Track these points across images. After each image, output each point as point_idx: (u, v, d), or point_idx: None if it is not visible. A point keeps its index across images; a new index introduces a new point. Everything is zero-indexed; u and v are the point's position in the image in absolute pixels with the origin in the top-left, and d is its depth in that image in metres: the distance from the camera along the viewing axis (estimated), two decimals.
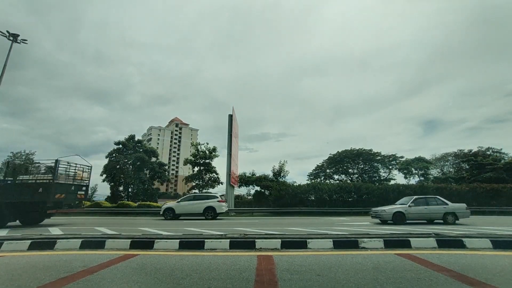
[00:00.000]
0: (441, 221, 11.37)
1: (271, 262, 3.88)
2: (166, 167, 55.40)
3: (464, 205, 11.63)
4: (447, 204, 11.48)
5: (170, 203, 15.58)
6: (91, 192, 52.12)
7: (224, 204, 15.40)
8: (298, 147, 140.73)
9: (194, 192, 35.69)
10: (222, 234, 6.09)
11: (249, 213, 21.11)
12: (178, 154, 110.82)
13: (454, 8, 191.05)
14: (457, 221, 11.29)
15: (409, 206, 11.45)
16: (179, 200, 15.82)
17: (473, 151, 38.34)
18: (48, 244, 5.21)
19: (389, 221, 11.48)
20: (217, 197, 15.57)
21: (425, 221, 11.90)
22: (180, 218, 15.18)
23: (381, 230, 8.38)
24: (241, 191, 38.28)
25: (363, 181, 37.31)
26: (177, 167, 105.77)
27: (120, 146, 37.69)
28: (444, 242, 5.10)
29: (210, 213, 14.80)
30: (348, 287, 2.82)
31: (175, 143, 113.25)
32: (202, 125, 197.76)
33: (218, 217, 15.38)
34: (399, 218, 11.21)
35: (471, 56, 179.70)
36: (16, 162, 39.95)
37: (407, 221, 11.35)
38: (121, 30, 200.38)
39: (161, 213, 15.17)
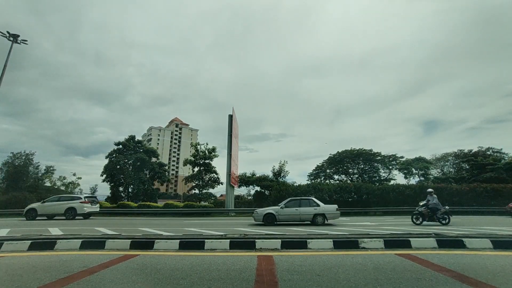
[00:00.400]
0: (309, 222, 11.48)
1: (271, 263, 3.88)
2: (166, 168, 55.34)
3: (334, 206, 11.82)
4: (318, 205, 11.61)
5: (34, 204, 15.75)
6: (91, 193, 52.29)
7: (87, 205, 15.61)
8: (298, 147, 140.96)
9: (194, 192, 35.72)
10: (222, 235, 6.09)
11: (249, 213, 21.11)
12: (178, 154, 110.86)
13: (454, 8, 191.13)
14: (326, 222, 11.52)
15: (281, 207, 11.64)
16: (43, 201, 15.89)
17: (473, 151, 38.33)
18: (48, 244, 5.20)
19: (259, 223, 11.61)
20: (81, 198, 16.00)
21: (296, 222, 11.74)
22: (40, 218, 15.29)
23: (381, 230, 8.37)
24: (241, 191, 38.30)
25: (363, 181, 37.28)
26: (177, 167, 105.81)
27: (120, 146, 37.66)
28: (444, 242, 5.09)
29: (71, 213, 15.19)
30: (348, 287, 2.82)
31: (175, 143, 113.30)
32: (202, 125, 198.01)
33: (79, 218, 15.58)
34: (269, 220, 11.39)
35: (471, 56, 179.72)
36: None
37: (278, 222, 11.45)
38: (121, 30, 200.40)
39: (23, 214, 15.29)
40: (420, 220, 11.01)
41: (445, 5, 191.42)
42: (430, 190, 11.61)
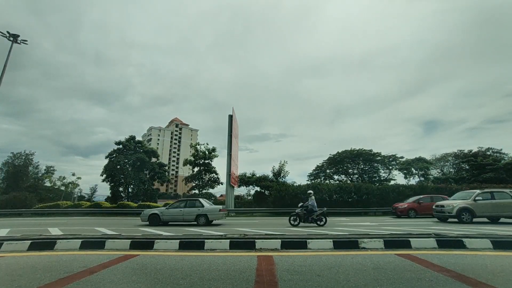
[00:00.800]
0: (195, 223, 11.73)
1: (271, 263, 3.87)
2: (166, 168, 55.33)
3: (218, 207, 12.21)
4: (203, 206, 11.90)
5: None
6: (91, 193, 52.29)
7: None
8: (298, 147, 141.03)
9: (194, 192, 35.68)
10: (222, 235, 6.09)
11: (249, 214, 21.11)
12: (178, 154, 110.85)
13: (454, 8, 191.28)
14: (212, 222, 11.97)
15: (166, 208, 12.27)
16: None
17: (473, 151, 38.33)
18: (48, 244, 5.21)
19: (145, 223, 11.95)
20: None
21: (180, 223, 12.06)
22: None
23: (381, 231, 8.37)
24: (241, 191, 38.35)
25: (363, 181, 37.27)
26: (177, 168, 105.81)
27: (121, 146, 37.65)
28: (444, 243, 5.09)
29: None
30: (348, 287, 2.82)
31: (175, 143, 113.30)
32: (202, 125, 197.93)
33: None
34: (154, 220, 11.68)
35: (471, 56, 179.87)
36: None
37: (161, 223, 11.78)
38: (121, 30, 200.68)
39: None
40: (298, 221, 11.03)
41: (445, 5, 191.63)
42: (310, 191, 11.83)
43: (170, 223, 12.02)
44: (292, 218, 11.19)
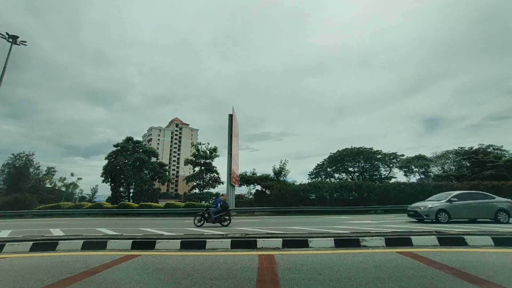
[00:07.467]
0: None
1: (272, 262, 3.88)
2: (167, 167, 55.38)
3: None
4: None
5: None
6: (92, 193, 52.37)
7: None
8: (299, 146, 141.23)
9: (195, 192, 35.70)
10: (223, 234, 6.09)
11: (250, 213, 21.13)
12: (179, 154, 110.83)
13: (455, 5, 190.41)
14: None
15: None
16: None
17: (474, 148, 38.30)
18: (50, 245, 5.21)
19: None
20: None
21: None
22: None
23: (382, 229, 8.37)
24: (242, 190, 38.31)
25: (363, 179, 37.31)
26: (177, 167, 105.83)
27: (119, 147, 37.69)
28: (445, 240, 5.09)
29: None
30: (349, 286, 2.82)
31: (175, 143, 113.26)
32: (202, 125, 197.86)
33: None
34: None
35: (472, 53, 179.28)
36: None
37: None
38: (121, 30, 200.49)
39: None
40: (202, 221, 11.11)
41: (446, 2, 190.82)
42: (218, 192, 12.35)
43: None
44: (197, 218, 11.20)
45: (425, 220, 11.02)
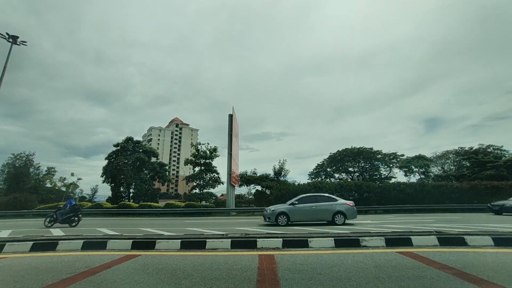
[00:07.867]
0: None
1: (272, 262, 3.88)
2: (167, 167, 55.38)
3: None
4: None
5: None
6: (92, 193, 52.36)
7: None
8: (299, 146, 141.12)
9: (195, 192, 35.73)
10: (223, 234, 6.10)
11: (250, 213, 21.14)
12: (179, 154, 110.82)
13: (455, 5, 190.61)
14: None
15: None
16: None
17: (474, 148, 38.28)
18: (50, 245, 5.22)
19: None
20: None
21: None
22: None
23: (382, 229, 8.37)
24: (242, 190, 38.35)
25: (363, 179, 37.29)
26: (177, 167, 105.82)
27: (119, 147, 37.68)
28: (446, 240, 5.09)
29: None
30: (349, 286, 2.82)
31: (175, 143, 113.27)
32: (202, 125, 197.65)
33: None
34: None
35: (472, 53, 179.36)
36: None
37: None
38: (121, 30, 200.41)
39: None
40: (53, 222, 11.31)
41: (446, 2, 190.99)
42: (69, 195, 12.44)
43: None
44: (47, 220, 11.38)
45: (266, 223, 11.09)
